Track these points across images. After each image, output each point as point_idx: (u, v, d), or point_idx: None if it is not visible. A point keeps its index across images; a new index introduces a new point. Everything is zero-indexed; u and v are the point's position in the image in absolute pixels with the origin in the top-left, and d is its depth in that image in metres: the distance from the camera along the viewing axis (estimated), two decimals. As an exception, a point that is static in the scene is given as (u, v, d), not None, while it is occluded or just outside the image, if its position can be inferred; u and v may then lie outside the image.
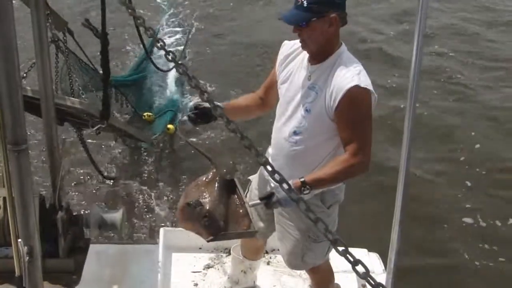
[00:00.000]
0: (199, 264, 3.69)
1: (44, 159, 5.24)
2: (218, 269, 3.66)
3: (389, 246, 2.36)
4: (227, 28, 9.73)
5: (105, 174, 5.69)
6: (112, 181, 5.75)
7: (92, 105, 4.16)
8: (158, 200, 5.54)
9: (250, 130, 5.75)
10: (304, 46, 2.60)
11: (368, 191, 5.46)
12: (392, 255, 2.37)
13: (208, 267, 3.67)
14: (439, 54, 8.93)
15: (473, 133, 6.95)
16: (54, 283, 2.67)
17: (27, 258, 1.86)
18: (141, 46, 4.30)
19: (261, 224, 3.00)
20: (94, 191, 5.63)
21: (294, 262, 2.98)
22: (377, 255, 3.58)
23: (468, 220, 5.50)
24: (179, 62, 1.63)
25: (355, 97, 2.46)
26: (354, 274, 3.42)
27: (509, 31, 9.94)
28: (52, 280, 2.63)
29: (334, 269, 3.17)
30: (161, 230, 3.72)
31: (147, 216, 5.32)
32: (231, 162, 2.74)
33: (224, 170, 2.57)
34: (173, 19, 10.05)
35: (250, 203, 2.56)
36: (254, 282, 3.48)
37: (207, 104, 1.55)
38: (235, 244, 3.40)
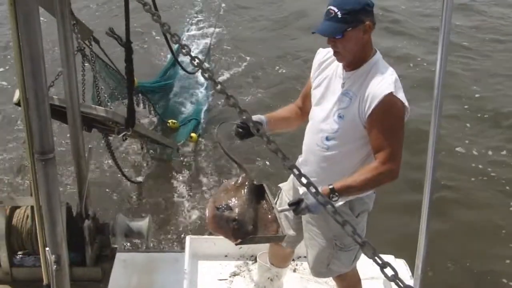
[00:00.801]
0: (225, 271, 3.67)
1: (70, 168, 5.31)
2: (244, 277, 3.64)
3: (416, 253, 2.34)
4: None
5: (132, 179, 5.75)
6: (137, 185, 5.78)
7: (117, 114, 4.21)
8: (184, 207, 5.55)
9: (279, 136, 5.69)
10: (339, 57, 2.57)
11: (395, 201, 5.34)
12: (419, 262, 2.36)
13: (234, 274, 3.66)
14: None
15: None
16: (82, 291, 2.69)
17: (55, 266, 1.87)
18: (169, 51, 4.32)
19: (290, 232, 2.98)
20: (120, 200, 5.66)
21: (319, 269, 2.95)
22: (404, 261, 3.54)
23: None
24: (205, 67, 1.62)
25: (390, 105, 2.44)
26: (380, 282, 3.43)
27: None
28: (80, 288, 2.66)
29: (361, 277, 3.14)
30: (187, 238, 3.72)
31: (173, 224, 5.32)
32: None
33: (253, 175, 2.57)
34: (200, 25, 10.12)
35: (279, 208, 2.55)
36: (280, 289, 3.45)
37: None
38: (261, 251, 3.38)
